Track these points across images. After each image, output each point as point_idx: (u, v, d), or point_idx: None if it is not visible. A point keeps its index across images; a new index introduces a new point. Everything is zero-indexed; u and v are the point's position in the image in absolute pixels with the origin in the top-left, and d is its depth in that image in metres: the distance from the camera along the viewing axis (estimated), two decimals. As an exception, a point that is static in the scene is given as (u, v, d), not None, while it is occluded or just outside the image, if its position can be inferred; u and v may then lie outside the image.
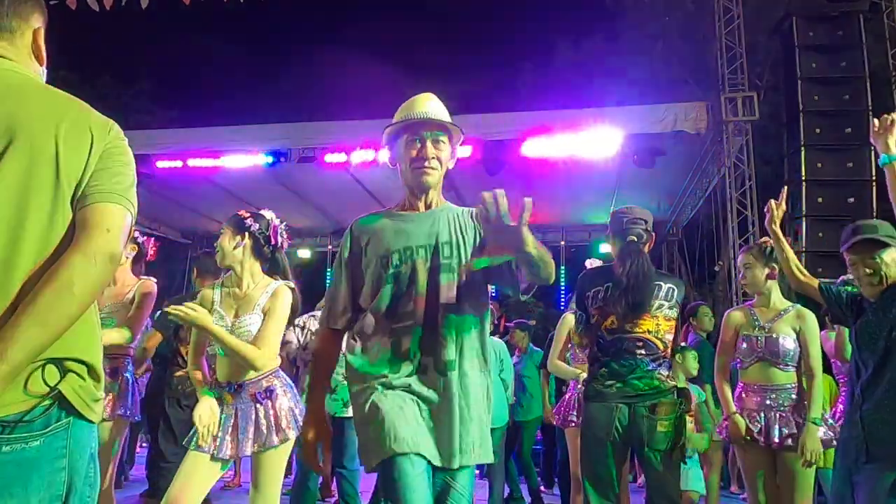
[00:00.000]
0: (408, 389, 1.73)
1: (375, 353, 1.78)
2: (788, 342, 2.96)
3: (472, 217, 1.88)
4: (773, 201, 2.85)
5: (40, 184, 1.17)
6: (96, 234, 1.16)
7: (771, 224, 2.82)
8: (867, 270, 2.40)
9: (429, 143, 1.84)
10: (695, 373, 4.29)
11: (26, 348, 1.07)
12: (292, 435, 2.49)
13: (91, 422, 1.20)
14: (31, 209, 1.15)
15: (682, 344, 4.56)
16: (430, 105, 1.90)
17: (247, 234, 2.58)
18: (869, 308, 2.44)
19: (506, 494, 5.00)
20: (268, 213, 2.69)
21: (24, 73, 1.30)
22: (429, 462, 1.68)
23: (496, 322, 5.63)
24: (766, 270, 3.04)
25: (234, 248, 2.55)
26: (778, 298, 3.08)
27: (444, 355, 1.74)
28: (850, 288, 2.67)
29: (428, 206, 1.90)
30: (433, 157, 1.84)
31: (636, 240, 2.81)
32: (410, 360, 1.74)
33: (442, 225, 1.84)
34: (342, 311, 1.89)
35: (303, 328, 4.01)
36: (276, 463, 2.49)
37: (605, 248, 8.25)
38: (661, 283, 2.79)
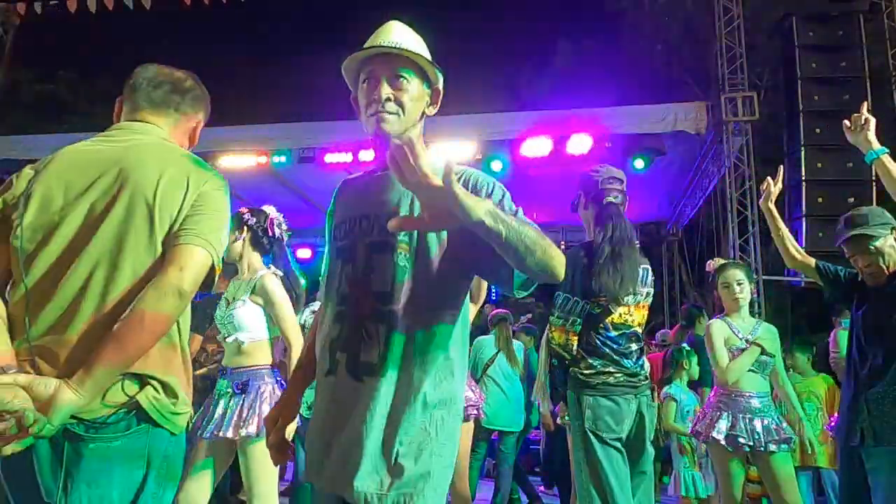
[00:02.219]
0: (327, 392, 1.43)
1: (319, 344, 1.49)
2: (767, 354, 3.05)
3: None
4: (769, 179, 2.80)
5: (138, 224, 1.38)
6: (170, 271, 1.33)
7: (766, 201, 2.79)
8: (865, 263, 2.41)
9: (384, 82, 1.42)
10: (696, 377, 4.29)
11: (106, 367, 1.28)
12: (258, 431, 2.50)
13: (168, 430, 1.40)
14: (128, 245, 1.37)
15: (685, 346, 4.55)
16: (391, 35, 1.47)
17: (245, 227, 2.79)
18: (874, 293, 2.41)
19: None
20: (268, 208, 2.88)
21: (159, 138, 1.53)
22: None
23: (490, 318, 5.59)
24: (752, 286, 3.10)
25: (234, 241, 2.76)
26: (746, 312, 3.15)
27: (364, 355, 1.35)
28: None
29: None
30: (388, 98, 1.41)
31: (615, 201, 2.53)
32: (331, 355, 1.41)
33: (402, 190, 1.36)
34: None
35: (304, 327, 3.97)
36: (257, 457, 2.49)
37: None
38: (644, 266, 2.55)
